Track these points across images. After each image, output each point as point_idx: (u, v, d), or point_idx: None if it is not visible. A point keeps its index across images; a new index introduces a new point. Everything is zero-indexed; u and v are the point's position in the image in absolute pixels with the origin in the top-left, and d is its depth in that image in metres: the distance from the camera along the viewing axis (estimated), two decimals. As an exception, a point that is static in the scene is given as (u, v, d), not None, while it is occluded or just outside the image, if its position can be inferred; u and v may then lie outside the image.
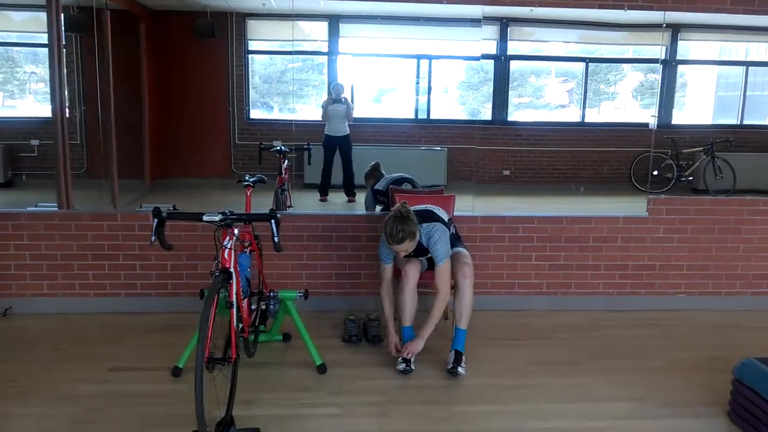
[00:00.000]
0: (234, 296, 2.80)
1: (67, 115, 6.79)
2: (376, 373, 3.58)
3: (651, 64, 9.32)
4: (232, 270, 2.82)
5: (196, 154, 7.87)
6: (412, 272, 3.59)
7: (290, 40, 8.73)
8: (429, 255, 3.61)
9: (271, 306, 3.54)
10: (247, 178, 3.51)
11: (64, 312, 4.33)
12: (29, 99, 7.76)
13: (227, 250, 2.80)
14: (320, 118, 7.57)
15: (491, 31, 8.93)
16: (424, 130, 8.83)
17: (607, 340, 4.12)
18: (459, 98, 9.27)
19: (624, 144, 8.97)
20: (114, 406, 3.14)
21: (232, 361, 2.73)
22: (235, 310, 2.80)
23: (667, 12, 4.59)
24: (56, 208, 4.46)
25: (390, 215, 3.44)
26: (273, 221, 2.67)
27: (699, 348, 4.01)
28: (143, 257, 4.35)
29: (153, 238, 2.64)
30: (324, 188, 7.28)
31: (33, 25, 6.93)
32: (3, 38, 8.06)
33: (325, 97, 7.99)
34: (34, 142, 7.28)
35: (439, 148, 8.44)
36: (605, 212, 4.66)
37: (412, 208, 3.50)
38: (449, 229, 3.70)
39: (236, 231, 2.93)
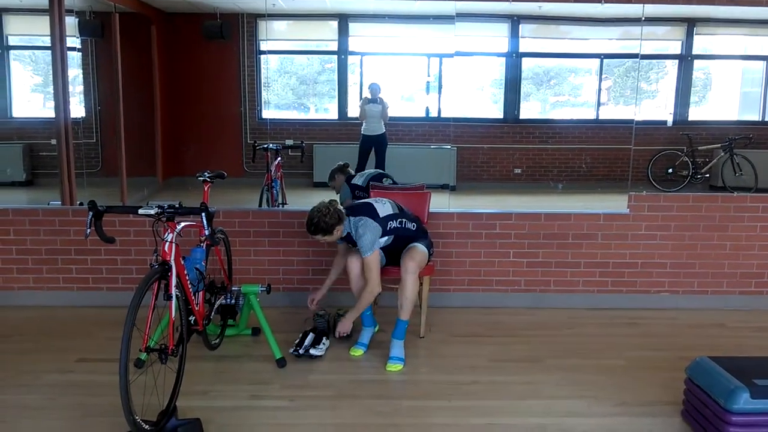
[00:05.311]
0: (172, 288, 2.85)
1: (83, 115, 7.10)
2: (334, 368, 3.61)
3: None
4: (173, 263, 2.88)
5: (209, 153, 8.03)
6: (354, 263, 3.80)
7: (302, 40, 8.84)
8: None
9: (227, 300, 3.60)
10: (205, 173, 3.58)
11: (49, 305, 4.47)
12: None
13: (167, 243, 2.87)
14: (357, 118, 7.63)
15: (502, 28, 8.86)
16: (434, 129, 8.79)
17: (576, 338, 4.05)
18: (473, 96, 9.21)
19: (640, 142, 8.77)
20: (69, 395, 3.23)
21: (169, 352, 2.78)
22: (174, 302, 2.86)
23: (680, 5, 4.46)
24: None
25: (315, 206, 3.58)
26: (203, 214, 2.72)
27: (672, 347, 3.91)
28: (124, 252, 4.47)
29: (87, 231, 2.71)
30: None
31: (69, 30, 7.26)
32: (43, 42, 8.41)
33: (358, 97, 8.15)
34: (54, 142, 7.55)
35: (449, 147, 8.40)
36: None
37: (356, 202, 3.58)
38: (387, 225, 3.71)
39: (181, 225, 3.01)
